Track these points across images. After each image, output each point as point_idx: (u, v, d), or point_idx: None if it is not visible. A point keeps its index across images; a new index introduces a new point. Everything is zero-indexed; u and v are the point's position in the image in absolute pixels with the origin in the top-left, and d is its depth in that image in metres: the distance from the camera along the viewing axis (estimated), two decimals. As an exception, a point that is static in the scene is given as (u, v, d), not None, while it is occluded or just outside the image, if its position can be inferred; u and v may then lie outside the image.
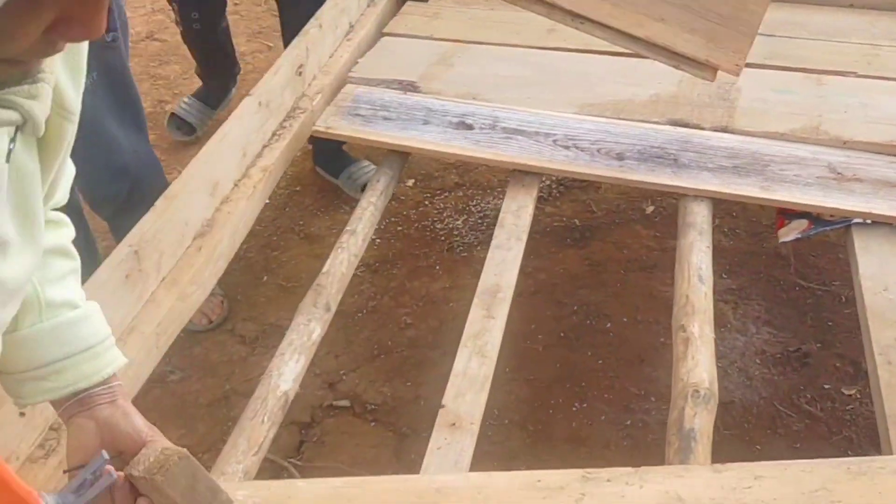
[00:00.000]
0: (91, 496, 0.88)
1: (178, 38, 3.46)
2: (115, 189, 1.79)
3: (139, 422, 0.90)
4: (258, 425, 1.19)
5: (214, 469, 1.14)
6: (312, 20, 1.94)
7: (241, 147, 1.63)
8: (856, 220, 1.56)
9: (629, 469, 1.08)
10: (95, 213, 1.92)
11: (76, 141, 1.84)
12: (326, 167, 2.52)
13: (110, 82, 1.70)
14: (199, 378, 1.95)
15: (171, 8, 2.63)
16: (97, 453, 0.86)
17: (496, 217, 2.38)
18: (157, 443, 0.90)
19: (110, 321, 1.26)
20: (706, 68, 1.59)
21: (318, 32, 1.92)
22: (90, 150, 1.73)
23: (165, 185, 1.99)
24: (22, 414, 1.11)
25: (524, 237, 1.54)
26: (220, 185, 1.57)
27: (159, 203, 1.41)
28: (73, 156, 1.78)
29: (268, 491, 1.06)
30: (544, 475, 1.07)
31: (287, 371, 1.28)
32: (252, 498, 1.05)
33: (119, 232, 1.97)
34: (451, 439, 1.17)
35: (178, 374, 1.95)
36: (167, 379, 1.93)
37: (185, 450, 0.89)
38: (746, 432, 1.82)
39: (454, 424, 1.19)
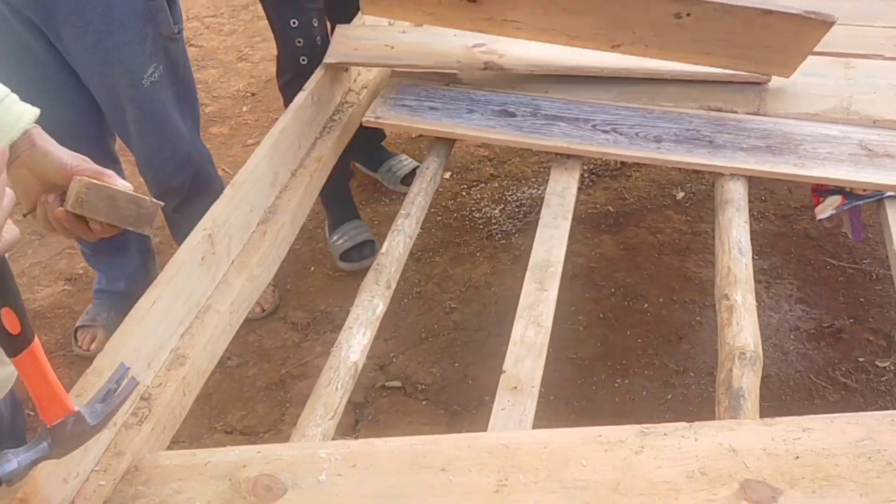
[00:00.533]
0: (117, 402, 0.98)
1: (213, 43, 3.59)
2: (180, 179, 1.88)
3: (62, 156, 0.97)
4: (333, 392, 1.27)
5: (295, 432, 1.22)
6: (356, 19, 2.03)
7: (296, 139, 1.72)
8: (889, 194, 1.62)
9: (684, 424, 1.15)
10: (165, 202, 2.01)
11: (147, 133, 1.91)
12: (365, 162, 2.60)
13: (175, 74, 1.80)
14: (256, 363, 2.05)
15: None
16: (119, 364, 0.99)
17: (532, 205, 2.49)
18: (85, 171, 0.97)
19: (189, 299, 1.36)
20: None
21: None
22: (160, 140, 1.83)
23: (217, 175, 2.08)
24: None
25: (570, 216, 1.61)
26: (280, 175, 1.66)
27: (228, 191, 1.49)
28: (145, 148, 1.86)
29: (347, 449, 1.14)
30: (604, 430, 1.14)
31: (355, 343, 1.36)
32: (333, 455, 1.13)
33: (178, 225, 2.05)
34: (514, 401, 1.25)
35: (235, 360, 2.05)
36: (226, 364, 2.03)
37: (91, 180, 0.96)
38: (784, 404, 1.89)
39: (516, 388, 1.27)
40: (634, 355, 2.01)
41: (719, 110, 1.85)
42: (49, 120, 1.72)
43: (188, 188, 1.91)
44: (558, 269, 1.50)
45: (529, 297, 1.43)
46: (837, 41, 2.08)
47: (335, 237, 2.31)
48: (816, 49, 2.05)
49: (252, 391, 1.97)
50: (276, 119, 1.74)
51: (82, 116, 1.83)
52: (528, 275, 1.49)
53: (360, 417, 1.90)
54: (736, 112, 1.84)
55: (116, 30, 1.68)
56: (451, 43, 1.95)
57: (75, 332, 2.11)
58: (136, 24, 1.69)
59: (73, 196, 0.97)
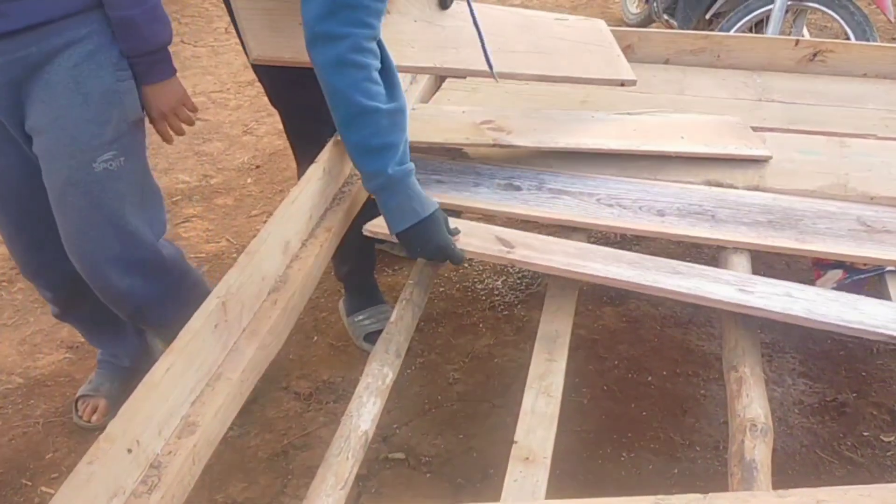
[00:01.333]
0: None
1: (219, 117, 3.66)
2: (129, 282, 1.72)
3: None
4: (343, 462, 1.26)
5: (306, 503, 1.21)
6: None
7: (308, 210, 1.75)
8: (889, 269, 1.65)
9: (698, 495, 1.14)
10: (116, 311, 1.84)
11: (91, 225, 1.75)
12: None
13: (135, 170, 1.69)
14: (258, 433, 2.02)
15: None
16: None
17: (534, 277, 2.51)
18: None
19: (202, 367, 1.36)
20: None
21: (371, 106, 2.06)
22: (106, 237, 1.68)
23: (190, 273, 1.91)
24: (129, 451, 1.19)
25: (577, 287, 1.63)
26: (291, 244, 1.68)
27: (241, 259, 1.51)
28: (87, 244, 1.72)
29: (360, 520, 1.13)
30: (620, 501, 1.13)
31: (365, 412, 1.36)
32: (346, 526, 1.12)
33: (152, 329, 1.97)
34: (526, 472, 1.24)
35: (236, 430, 2.02)
36: (227, 434, 1.99)
37: None
38: (791, 479, 1.87)
39: (528, 458, 1.27)
40: (640, 428, 2.00)
41: (720, 185, 1.90)
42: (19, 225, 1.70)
43: (142, 294, 1.75)
44: (566, 339, 1.51)
45: (539, 367, 1.45)
46: (832, 121, 2.17)
47: (361, 317, 2.28)
48: (812, 129, 2.13)
49: (253, 462, 1.94)
50: (280, 191, 1.78)
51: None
52: (536, 345, 1.50)
53: (363, 490, 1.87)
54: (736, 187, 1.89)
55: (77, 104, 1.57)
56: (460, 119, 2.01)
57: (76, 401, 2.09)
58: (101, 104, 1.58)
59: None
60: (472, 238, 1.65)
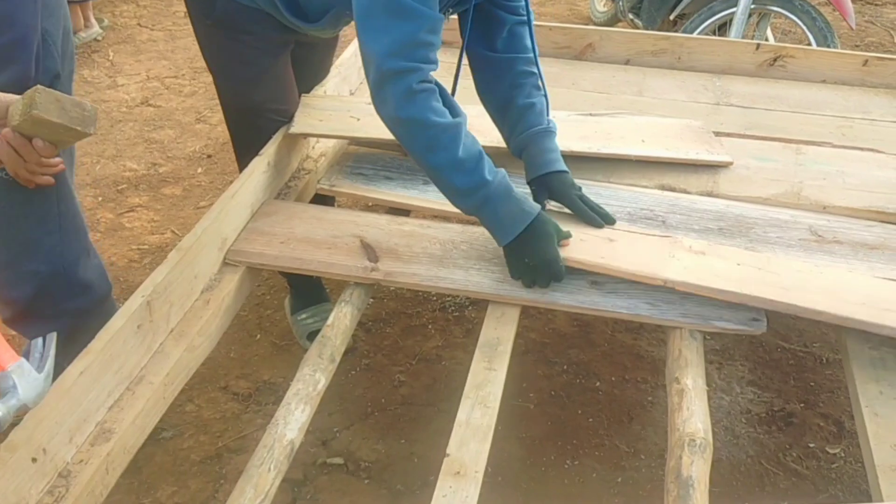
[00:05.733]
0: (48, 361, 1.09)
1: (172, 104, 3.55)
2: (19, 292, 1.64)
3: None
4: (265, 473, 1.20)
5: (223, 516, 1.15)
6: (317, 87, 2.02)
7: (249, 205, 1.68)
8: (838, 280, 1.63)
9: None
10: None
11: None
12: None
13: None
14: (192, 435, 1.95)
15: None
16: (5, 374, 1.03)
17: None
18: (11, 97, 1.12)
19: (121, 370, 1.30)
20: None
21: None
22: None
23: (89, 293, 1.73)
24: (34, 460, 1.12)
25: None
26: (228, 241, 1.61)
27: (171, 255, 1.44)
28: None
29: (278, 536, 1.07)
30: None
31: (293, 420, 1.30)
32: (263, 543, 1.06)
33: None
34: (457, 487, 1.19)
35: (170, 432, 1.95)
36: (160, 436, 1.93)
37: (37, 85, 1.12)
38: (735, 490, 1.85)
39: (459, 473, 1.21)
40: (585, 435, 1.96)
41: (673, 190, 1.87)
42: None
43: (26, 304, 1.65)
44: (508, 347, 1.47)
45: (478, 376, 1.40)
46: (789, 128, 2.15)
47: (304, 315, 2.21)
48: (769, 135, 2.11)
49: (186, 465, 1.87)
50: (231, 182, 1.70)
51: None
52: (476, 353, 1.45)
53: (298, 496, 1.80)
54: (689, 192, 1.86)
55: None
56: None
57: (2, 397, 1.99)
58: None
59: (23, 105, 1.09)
60: (337, 252, 1.61)
